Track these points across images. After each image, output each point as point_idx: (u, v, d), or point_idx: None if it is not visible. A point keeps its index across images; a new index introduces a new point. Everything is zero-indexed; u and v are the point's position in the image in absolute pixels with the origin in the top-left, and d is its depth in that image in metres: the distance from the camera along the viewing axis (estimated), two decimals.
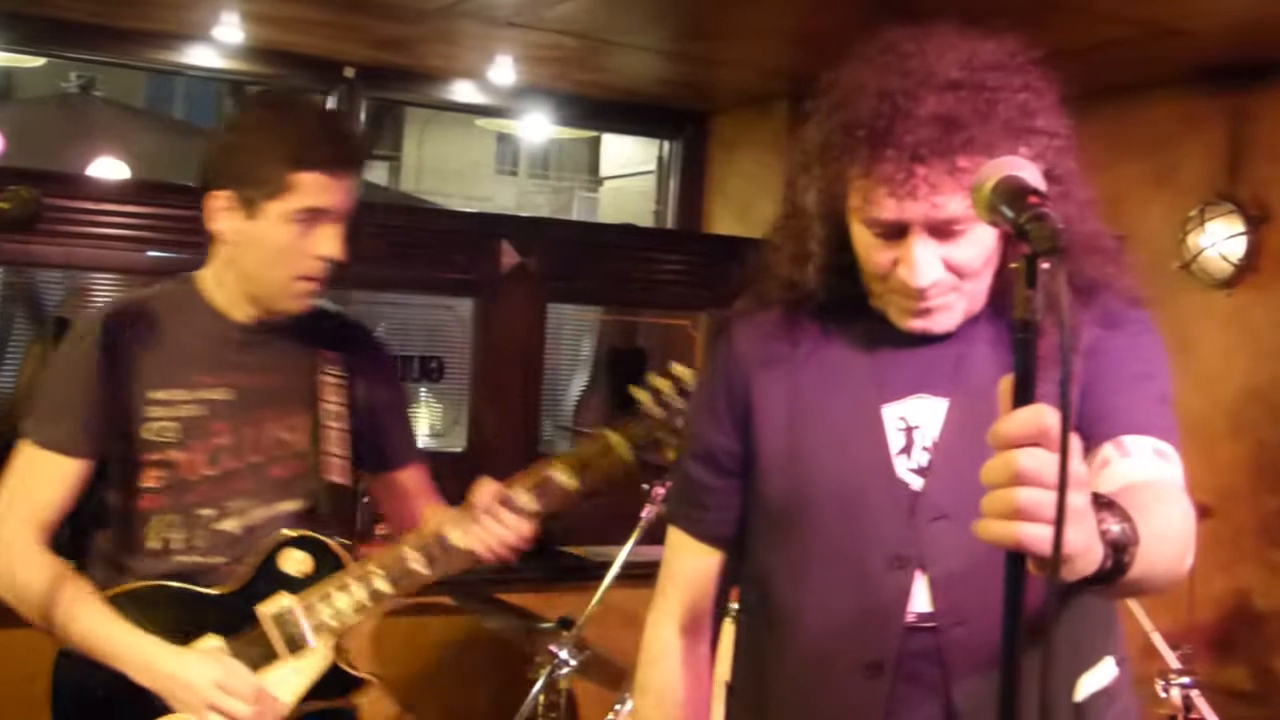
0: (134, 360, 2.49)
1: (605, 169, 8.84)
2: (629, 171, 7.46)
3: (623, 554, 3.50)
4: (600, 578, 3.51)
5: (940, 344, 1.78)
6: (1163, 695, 3.15)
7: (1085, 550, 1.33)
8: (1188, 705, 3.11)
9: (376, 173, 14.23)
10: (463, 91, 5.03)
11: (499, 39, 4.24)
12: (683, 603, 2.01)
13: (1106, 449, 1.75)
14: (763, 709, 1.91)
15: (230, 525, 2.51)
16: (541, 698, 3.38)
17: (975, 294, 1.75)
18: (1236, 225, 3.96)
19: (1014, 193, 1.34)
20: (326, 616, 2.50)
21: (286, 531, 2.54)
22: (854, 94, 1.67)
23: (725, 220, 5.39)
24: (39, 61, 5.33)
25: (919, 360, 1.80)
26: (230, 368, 2.54)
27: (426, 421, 4.88)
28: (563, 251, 4.84)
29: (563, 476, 2.53)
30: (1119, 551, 1.38)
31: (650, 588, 3.62)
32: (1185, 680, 3.12)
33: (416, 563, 2.52)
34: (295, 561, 2.53)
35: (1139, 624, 3.29)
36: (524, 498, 2.50)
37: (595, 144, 9.31)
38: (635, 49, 4.40)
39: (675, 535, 2.03)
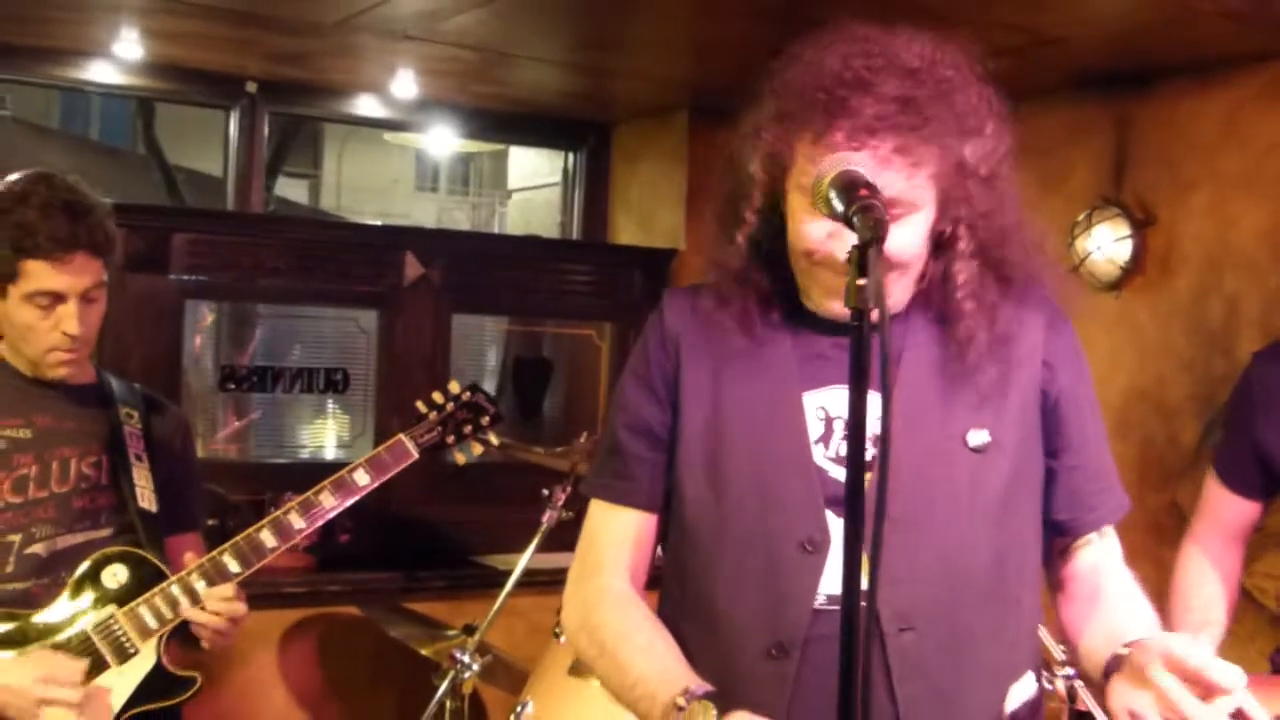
0: None
1: (513, 181, 8.86)
2: (536, 184, 7.47)
3: (523, 561, 3.50)
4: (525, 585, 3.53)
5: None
6: (1048, 687, 3.18)
7: None
8: (1071, 695, 3.14)
9: (295, 190, 14.15)
10: (366, 106, 5.01)
11: (398, 52, 4.23)
12: (618, 559, 1.96)
13: (1094, 543, 1.94)
14: None
15: (38, 549, 2.65)
16: (447, 702, 3.37)
17: (901, 287, 1.78)
18: (1123, 229, 4.02)
19: (846, 186, 1.39)
20: (149, 620, 2.65)
21: (106, 550, 2.68)
22: (815, 67, 1.70)
23: (628, 230, 5.40)
24: None
25: (845, 350, 1.81)
26: (31, 410, 2.70)
27: (334, 433, 4.86)
28: (466, 263, 4.84)
29: (360, 475, 2.94)
30: None
31: (552, 594, 3.62)
32: (1069, 672, 3.14)
33: (232, 563, 2.71)
34: (113, 574, 2.66)
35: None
36: (324, 496, 2.87)
37: (503, 157, 9.32)
38: (534, 60, 4.40)
39: (600, 509, 1.99)
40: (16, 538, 2.62)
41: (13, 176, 2.67)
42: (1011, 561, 1.84)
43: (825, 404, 1.82)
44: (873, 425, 1.76)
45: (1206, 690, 1.54)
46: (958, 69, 1.73)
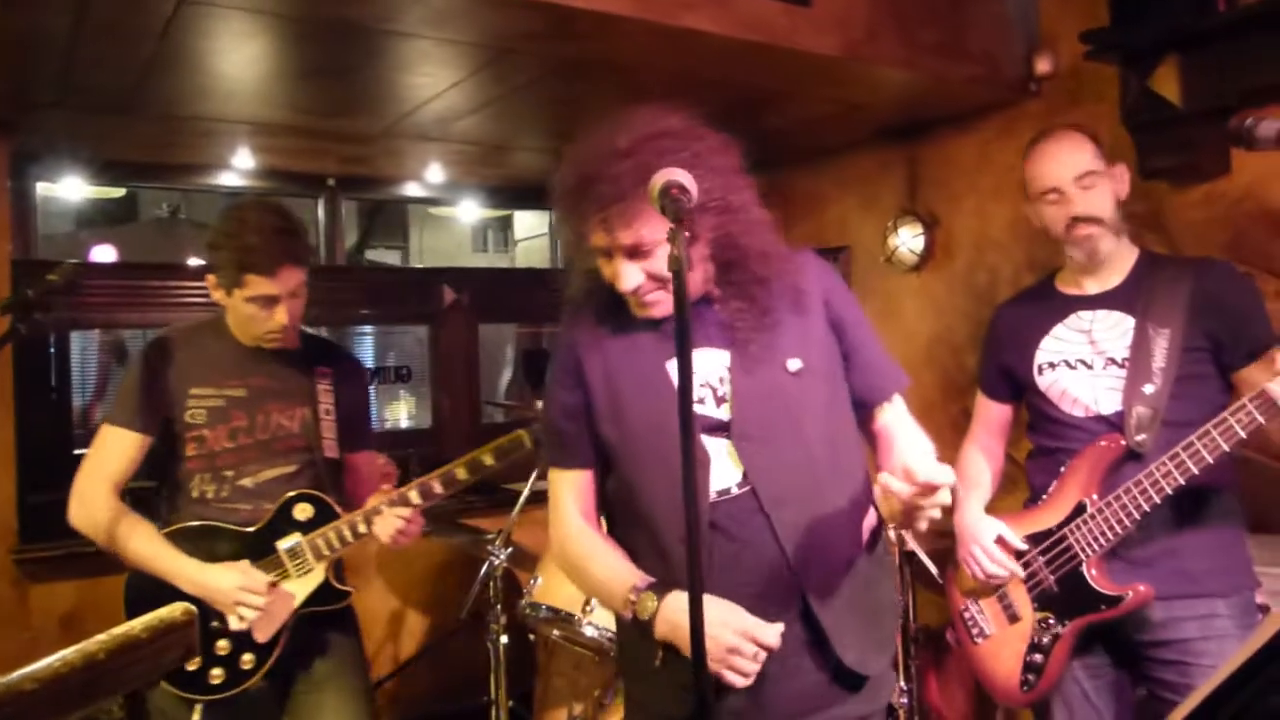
0: (178, 367, 2.52)
1: (518, 234, 8.97)
2: (534, 234, 7.54)
3: (528, 486, 3.52)
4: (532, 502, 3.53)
5: (699, 308, 1.81)
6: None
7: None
8: (900, 539, 3.16)
9: (391, 257, 14.12)
10: (412, 189, 4.97)
11: (427, 149, 4.21)
12: (580, 504, 1.94)
13: (887, 408, 1.93)
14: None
15: (246, 482, 2.53)
16: (490, 582, 3.40)
17: (700, 277, 1.76)
18: (918, 229, 4.03)
19: (664, 189, 1.38)
20: (323, 547, 2.54)
21: (298, 491, 2.56)
22: (567, 171, 1.69)
23: None
24: (120, 191, 5.22)
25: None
26: (246, 374, 2.55)
27: (405, 409, 4.85)
28: (485, 289, 4.82)
29: (487, 458, 2.61)
30: None
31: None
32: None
33: (387, 508, 2.53)
34: (303, 510, 2.56)
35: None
36: (459, 470, 2.59)
37: (510, 219, 9.30)
38: (521, 150, 4.37)
39: (554, 473, 1.97)
40: (231, 472, 2.51)
41: (233, 205, 2.53)
42: (841, 441, 1.85)
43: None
44: (720, 371, 1.79)
45: (931, 489, 1.54)
46: (666, 137, 1.65)
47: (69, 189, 4.31)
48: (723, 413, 1.78)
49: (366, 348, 4.81)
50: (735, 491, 1.75)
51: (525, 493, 3.48)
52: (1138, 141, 3.04)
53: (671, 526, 1.79)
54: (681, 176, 1.47)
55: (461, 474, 2.61)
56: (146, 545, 2.44)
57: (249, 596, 2.42)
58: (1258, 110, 1.78)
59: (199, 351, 2.56)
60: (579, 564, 1.91)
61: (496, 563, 3.39)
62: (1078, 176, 2.37)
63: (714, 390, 1.79)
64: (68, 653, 1.18)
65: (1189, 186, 3.03)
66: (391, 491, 2.56)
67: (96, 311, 3.80)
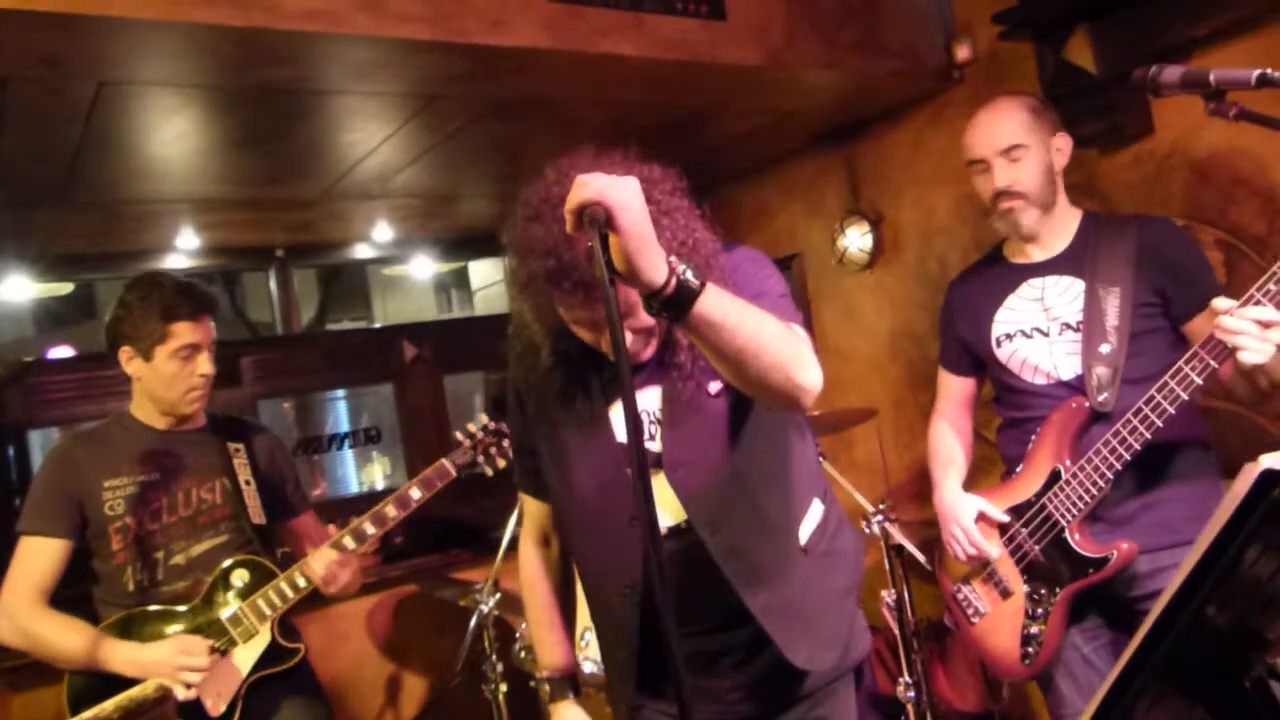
0: (86, 464, 2.56)
1: (475, 284, 9.00)
2: (490, 283, 7.58)
3: (509, 531, 3.50)
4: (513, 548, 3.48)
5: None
6: (868, 531, 3.20)
7: (643, 252, 1.33)
8: (885, 534, 3.17)
9: (355, 327, 14.06)
10: (362, 251, 4.99)
11: (370, 208, 4.22)
12: (535, 530, 2.08)
13: None
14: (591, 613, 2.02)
15: (178, 559, 2.58)
16: (483, 631, 3.38)
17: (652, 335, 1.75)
18: (864, 228, 4.08)
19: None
20: (265, 608, 2.58)
21: (234, 558, 2.61)
22: (530, 260, 1.58)
23: None
24: (69, 287, 5.20)
25: (640, 369, 1.79)
26: (156, 457, 2.61)
27: (379, 471, 4.82)
28: (445, 341, 4.82)
29: (414, 491, 2.73)
30: (684, 286, 1.38)
31: None
32: (880, 518, 3.17)
33: (316, 553, 2.61)
34: (239, 576, 2.61)
35: (851, 495, 3.34)
36: (389, 508, 2.68)
37: (466, 269, 9.27)
38: (464, 197, 4.38)
39: (522, 495, 2.08)
40: (161, 553, 2.56)
41: (130, 281, 2.62)
42: (765, 448, 1.82)
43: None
44: (655, 405, 1.77)
45: None
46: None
47: (15, 289, 4.30)
48: (654, 445, 1.79)
49: (340, 413, 4.78)
50: (679, 527, 1.78)
51: (507, 537, 3.47)
52: (1062, 113, 3.08)
53: (611, 581, 1.86)
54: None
55: (391, 510, 2.68)
56: (78, 640, 2.44)
57: (188, 659, 2.43)
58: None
59: (104, 445, 2.60)
60: (524, 593, 2.09)
61: (485, 610, 3.37)
62: (1003, 149, 2.41)
63: (649, 424, 1.80)
64: None
65: (1117, 149, 3.10)
66: (328, 541, 2.65)
67: (55, 408, 3.78)
